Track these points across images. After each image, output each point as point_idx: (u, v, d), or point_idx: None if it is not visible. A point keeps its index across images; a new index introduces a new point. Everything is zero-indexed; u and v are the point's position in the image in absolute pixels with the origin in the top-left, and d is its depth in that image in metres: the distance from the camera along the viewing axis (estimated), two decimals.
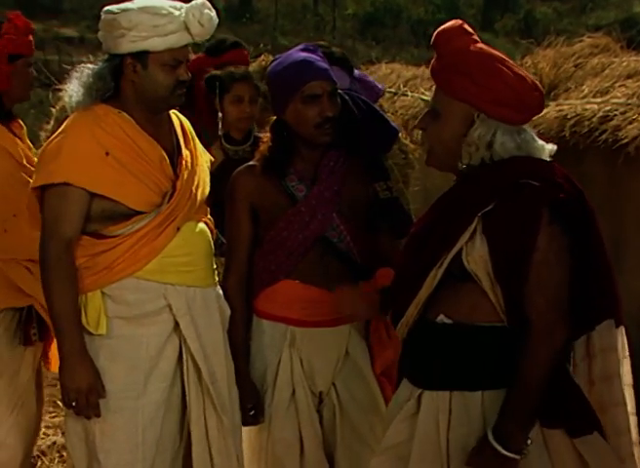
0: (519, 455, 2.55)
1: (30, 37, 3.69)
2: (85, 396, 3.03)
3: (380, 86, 3.80)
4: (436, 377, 2.67)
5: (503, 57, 2.67)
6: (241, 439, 3.33)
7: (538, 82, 2.70)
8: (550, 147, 2.69)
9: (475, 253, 2.57)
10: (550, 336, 2.54)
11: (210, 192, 3.31)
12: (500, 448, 2.53)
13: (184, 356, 3.16)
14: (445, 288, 2.64)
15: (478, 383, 2.63)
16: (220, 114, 4.40)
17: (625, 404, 2.65)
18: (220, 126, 4.43)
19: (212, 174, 3.38)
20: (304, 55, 3.27)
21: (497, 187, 2.58)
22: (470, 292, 2.61)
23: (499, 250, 2.54)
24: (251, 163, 3.40)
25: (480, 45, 2.67)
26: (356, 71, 3.70)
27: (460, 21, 2.70)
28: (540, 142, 2.69)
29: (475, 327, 2.62)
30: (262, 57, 7.47)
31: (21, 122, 3.84)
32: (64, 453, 4.61)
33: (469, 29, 2.68)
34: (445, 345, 2.66)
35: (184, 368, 3.16)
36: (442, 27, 2.68)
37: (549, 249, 2.53)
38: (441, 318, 2.66)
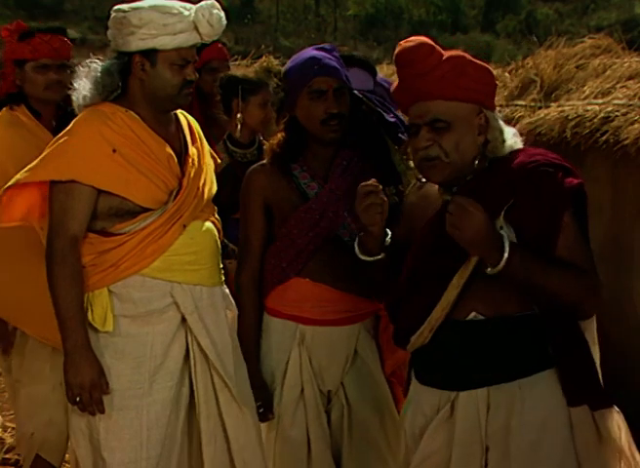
0: (500, 265, 2.56)
1: None
2: (88, 392, 3.04)
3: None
4: (475, 376, 2.68)
5: None
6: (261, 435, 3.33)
7: None
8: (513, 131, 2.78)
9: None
10: (596, 286, 2.65)
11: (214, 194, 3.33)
12: (507, 246, 2.55)
13: (192, 354, 3.17)
14: (471, 286, 2.65)
15: (515, 373, 2.66)
16: (239, 116, 4.45)
17: None
18: (238, 128, 4.47)
19: (216, 175, 3.39)
20: (315, 52, 3.31)
21: (514, 180, 2.63)
22: (499, 286, 2.62)
23: (528, 234, 2.60)
24: (264, 161, 3.42)
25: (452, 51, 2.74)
26: (380, 76, 3.70)
27: (417, 39, 2.71)
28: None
29: (508, 318, 2.65)
30: (264, 58, 7.48)
31: None
32: (66, 454, 4.60)
33: (432, 42, 2.72)
34: (481, 342, 2.67)
35: (192, 366, 3.17)
36: (407, 47, 2.67)
37: (579, 225, 2.65)
38: (473, 316, 2.67)
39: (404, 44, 2.69)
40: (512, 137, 2.73)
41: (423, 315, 2.70)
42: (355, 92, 3.35)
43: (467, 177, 2.70)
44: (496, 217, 2.60)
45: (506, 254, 2.54)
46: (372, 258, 2.81)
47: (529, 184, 2.60)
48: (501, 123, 2.72)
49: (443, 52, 2.70)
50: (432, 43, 2.70)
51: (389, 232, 2.83)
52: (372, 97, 3.41)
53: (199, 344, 3.16)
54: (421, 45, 2.68)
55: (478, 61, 2.71)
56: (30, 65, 3.82)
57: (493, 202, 2.62)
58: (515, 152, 2.70)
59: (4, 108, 3.86)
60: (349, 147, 3.33)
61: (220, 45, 4.75)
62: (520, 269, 2.56)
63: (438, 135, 2.67)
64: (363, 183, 2.78)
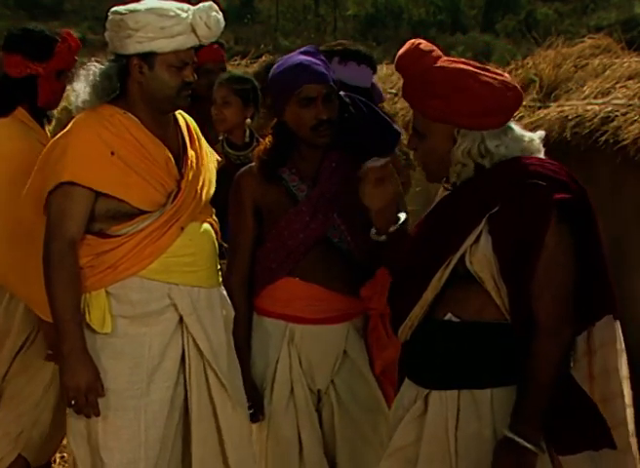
0: (538, 449, 2.58)
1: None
2: (84, 395, 3.04)
3: (383, 96, 3.93)
4: (444, 377, 2.68)
5: (466, 67, 2.69)
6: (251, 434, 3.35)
7: (507, 79, 2.70)
8: (538, 135, 2.72)
9: (479, 253, 2.60)
10: (558, 332, 2.59)
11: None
12: (522, 441, 2.55)
13: (187, 356, 3.17)
14: (451, 288, 2.66)
15: (487, 381, 2.65)
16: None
17: (623, 395, 2.70)
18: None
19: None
20: (302, 58, 3.31)
21: (502, 188, 2.61)
22: (477, 291, 2.64)
23: (505, 247, 2.57)
24: (253, 164, 3.43)
25: (441, 61, 2.69)
26: None
27: (416, 42, 2.72)
28: (528, 136, 2.72)
29: (483, 324, 2.64)
30: (264, 58, 7.49)
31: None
32: (66, 454, 4.61)
33: (427, 48, 2.70)
34: (453, 344, 2.67)
35: (187, 368, 3.17)
36: (400, 53, 2.72)
37: (558, 248, 2.58)
38: (449, 317, 2.67)
39: (402, 49, 2.72)
40: (502, 145, 2.66)
41: (408, 309, 2.73)
42: (341, 93, 3.37)
43: (457, 183, 2.71)
44: (478, 223, 2.59)
45: None
46: (377, 238, 2.91)
47: (513, 195, 2.59)
48: (483, 142, 2.64)
49: (435, 62, 2.67)
50: (420, 50, 2.68)
51: (401, 217, 2.90)
52: (355, 97, 3.43)
53: (197, 346, 3.16)
54: (406, 53, 2.70)
55: (472, 81, 2.63)
56: (66, 76, 3.75)
57: (477, 208, 2.62)
58: (514, 160, 2.66)
59: (5, 117, 3.81)
60: (337, 149, 3.34)
61: (215, 46, 4.75)
62: (535, 424, 2.58)
63: (418, 141, 2.73)
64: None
